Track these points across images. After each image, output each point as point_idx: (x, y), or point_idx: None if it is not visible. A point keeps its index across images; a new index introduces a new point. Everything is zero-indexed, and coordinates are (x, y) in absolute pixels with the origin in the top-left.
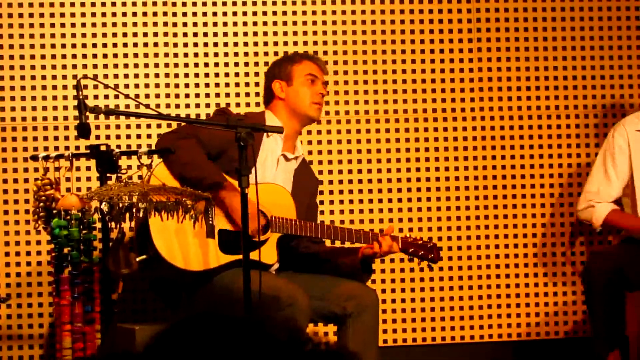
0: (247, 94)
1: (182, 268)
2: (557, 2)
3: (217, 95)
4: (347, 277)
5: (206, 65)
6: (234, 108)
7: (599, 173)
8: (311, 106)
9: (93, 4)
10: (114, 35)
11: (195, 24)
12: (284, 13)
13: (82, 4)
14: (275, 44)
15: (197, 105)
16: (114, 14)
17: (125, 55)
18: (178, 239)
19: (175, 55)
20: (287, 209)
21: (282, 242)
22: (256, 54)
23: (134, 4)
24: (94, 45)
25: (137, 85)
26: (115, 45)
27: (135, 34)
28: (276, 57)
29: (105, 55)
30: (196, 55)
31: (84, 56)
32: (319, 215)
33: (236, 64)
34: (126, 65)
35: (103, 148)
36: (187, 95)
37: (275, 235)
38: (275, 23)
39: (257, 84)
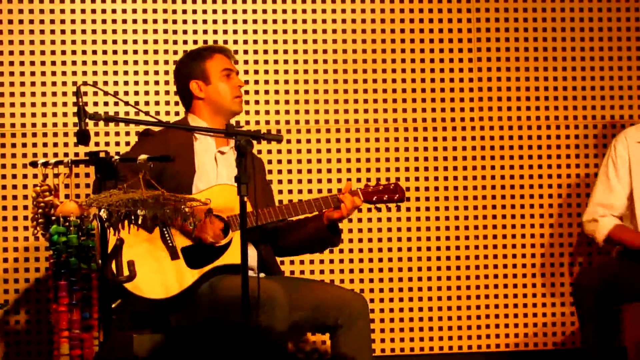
0: (247, 102)
1: (157, 298)
2: (557, 13)
3: None
4: (318, 243)
5: None
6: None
7: (602, 183)
8: (233, 101)
9: (93, 11)
10: (114, 42)
11: (195, 32)
12: (284, 21)
13: (82, 11)
14: (275, 52)
15: None
16: (114, 21)
17: (125, 62)
18: (145, 269)
19: (175, 62)
20: (235, 204)
21: (262, 236)
22: (256, 61)
23: (134, 11)
24: (94, 52)
25: (136, 93)
26: (115, 52)
27: (135, 41)
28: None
29: (105, 62)
30: None
31: (84, 63)
32: (274, 194)
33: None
34: (126, 72)
35: (102, 155)
36: None
37: (237, 233)
38: (275, 31)
39: (256, 92)
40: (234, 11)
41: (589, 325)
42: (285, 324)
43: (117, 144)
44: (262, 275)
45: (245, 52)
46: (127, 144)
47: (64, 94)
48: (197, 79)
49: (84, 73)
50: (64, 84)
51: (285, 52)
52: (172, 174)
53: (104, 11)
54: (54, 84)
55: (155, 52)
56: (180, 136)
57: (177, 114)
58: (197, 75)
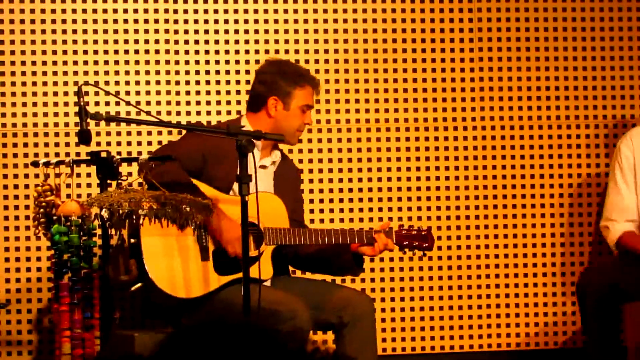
0: None
1: (179, 297)
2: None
3: (218, 102)
4: (339, 270)
5: (207, 72)
6: (234, 115)
7: (612, 188)
8: (295, 134)
9: (94, 11)
10: (115, 42)
11: (196, 32)
12: (285, 21)
13: (84, 11)
14: (277, 51)
15: (198, 113)
16: (115, 21)
17: (127, 62)
18: (171, 264)
19: (177, 62)
20: (279, 216)
21: (276, 252)
22: (257, 61)
23: (135, 11)
24: (95, 52)
25: (138, 92)
26: (116, 52)
27: (136, 41)
28: (278, 57)
29: (106, 62)
30: (197, 62)
31: (85, 62)
32: (304, 210)
33: (237, 72)
34: (127, 72)
35: (104, 154)
36: (187, 102)
37: (269, 248)
38: (276, 31)
39: None
40: (235, 11)
41: (592, 326)
42: (305, 341)
43: (119, 143)
44: (269, 276)
45: (247, 52)
46: (129, 143)
47: (66, 93)
48: (278, 98)
49: (86, 73)
50: (66, 83)
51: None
52: (212, 175)
53: (105, 11)
54: (55, 83)
55: (157, 52)
56: (226, 141)
57: (178, 113)
58: (281, 94)
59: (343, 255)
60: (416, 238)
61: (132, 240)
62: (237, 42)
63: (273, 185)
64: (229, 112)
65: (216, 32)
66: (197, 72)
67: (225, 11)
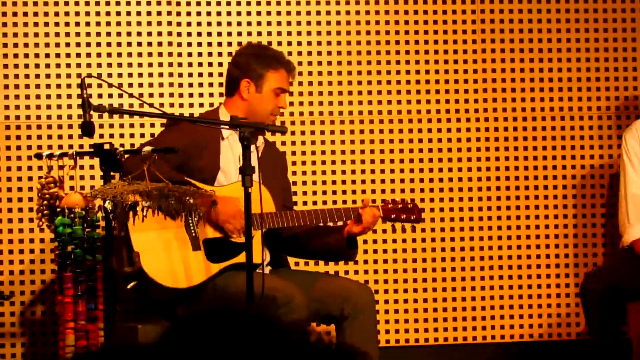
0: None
1: (175, 287)
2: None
3: (221, 94)
4: (334, 255)
5: (210, 64)
6: None
7: (622, 177)
8: (269, 117)
9: (97, 3)
10: (118, 34)
11: (199, 24)
12: (288, 13)
13: (87, 3)
14: (279, 43)
15: (201, 105)
16: (118, 13)
17: (130, 54)
18: (165, 257)
19: (179, 54)
20: (264, 202)
21: (267, 236)
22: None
23: (138, 3)
24: (98, 44)
25: (140, 84)
26: (119, 44)
27: (139, 33)
28: (250, 41)
29: (109, 54)
30: (200, 54)
31: (88, 55)
32: (291, 194)
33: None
34: (130, 64)
35: (107, 147)
36: (190, 94)
37: (258, 233)
38: (279, 23)
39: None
40: (238, 3)
41: (595, 327)
42: (304, 325)
43: (122, 135)
44: (269, 268)
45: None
46: (132, 135)
47: (69, 86)
48: (250, 80)
49: (89, 65)
50: (69, 76)
51: (299, 43)
52: (196, 167)
53: (108, 3)
54: (58, 76)
55: (160, 44)
56: (208, 131)
57: (181, 105)
58: (253, 77)
59: (337, 240)
60: (402, 211)
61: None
62: (239, 33)
63: (258, 171)
64: (220, 104)
65: (218, 23)
66: (200, 64)
67: (228, 3)
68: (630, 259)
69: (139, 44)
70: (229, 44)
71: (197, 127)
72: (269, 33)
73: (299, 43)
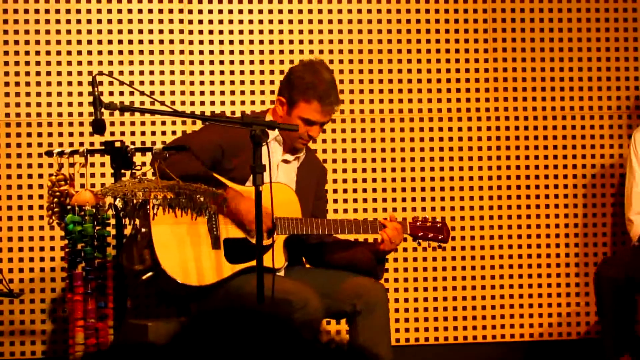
0: (262, 92)
1: (191, 284)
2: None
3: (232, 92)
4: (360, 270)
5: (221, 62)
6: (248, 105)
7: (630, 176)
8: (298, 141)
9: (109, 1)
10: (130, 32)
11: (210, 22)
12: (300, 11)
13: (99, 1)
14: (291, 42)
15: (212, 103)
16: (129, 11)
17: (141, 52)
18: (183, 253)
19: (191, 52)
20: (291, 206)
21: (289, 242)
22: (271, 52)
23: (150, 0)
24: (110, 42)
25: (152, 82)
26: (130, 42)
27: (150, 31)
28: (320, 59)
29: (120, 52)
30: (211, 52)
31: (100, 52)
32: (326, 205)
33: (251, 62)
34: (141, 62)
35: (117, 144)
36: (202, 93)
37: (281, 237)
38: (291, 21)
39: (272, 82)
40: (250, 0)
41: (607, 315)
42: (317, 328)
43: (133, 133)
44: (282, 264)
45: (261, 42)
46: (143, 133)
47: (80, 83)
48: (285, 101)
49: (100, 63)
50: (80, 73)
51: (311, 42)
52: (227, 168)
53: (119, 0)
54: (69, 73)
55: (171, 41)
56: (244, 133)
57: (192, 103)
58: (288, 98)
59: (366, 256)
60: (431, 230)
61: (144, 230)
62: (251, 32)
63: (295, 180)
64: (242, 102)
65: (230, 22)
66: (211, 62)
67: (240, 1)
68: None
69: (150, 41)
70: (240, 42)
71: (235, 128)
72: (281, 31)
73: (311, 41)
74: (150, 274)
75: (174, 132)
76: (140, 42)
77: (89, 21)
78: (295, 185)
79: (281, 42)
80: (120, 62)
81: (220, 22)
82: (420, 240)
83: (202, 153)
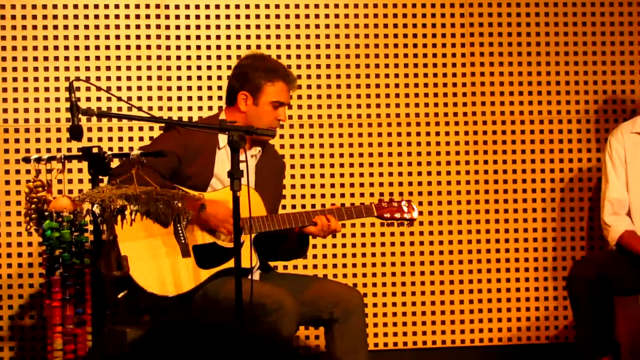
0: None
1: (164, 295)
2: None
3: (210, 98)
4: (287, 253)
5: (198, 68)
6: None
7: (605, 181)
8: (267, 131)
9: (86, 6)
10: (107, 37)
11: (187, 27)
12: (277, 16)
13: (75, 6)
14: (268, 47)
15: (189, 108)
16: (106, 17)
17: (118, 58)
18: (153, 265)
19: (168, 57)
20: (255, 206)
21: (256, 240)
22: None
23: (127, 6)
24: (87, 48)
25: (129, 88)
26: (107, 47)
27: (127, 37)
28: (259, 52)
29: (97, 58)
30: (188, 58)
31: (77, 58)
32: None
33: (228, 67)
34: (118, 68)
35: (95, 150)
36: (179, 98)
37: (248, 237)
38: (268, 26)
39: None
40: (227, 6)
41: (583, 318)
42: (292, 331)
43: (110, 139)
44: (259, 273)
45: (238, 47)
46: (120, 139)
47: (57, 89)
48: (248, 93)
49: (77, 68)
50: (57, 79)
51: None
52: (189, 173)
53: (96, 6)
54: (46, 79)
55: (148, 47)
56: (205, 137)
57: (169, 109)
58: (251, 89)
59: (289, 237)
60: (397, 210)
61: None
62: (228, 37)
63: (255, 178)
64: (220, 108)
65: (207, 27)
66: (188, 68)
67: (217, 6)
68: (619, 256)
69: (128, 47)
70: (218, 47)
71: (194, 133)
72: (258, 37)
73: (288, 46)
74: (124, 292)
75: (151, 138)
76: (117, 47)
77: (65, 27)
78: (255, 185)
79: (258, 47)
80: (98, 68)
81: (198, 27)
82: (387, 222)
83: (159, 165)
